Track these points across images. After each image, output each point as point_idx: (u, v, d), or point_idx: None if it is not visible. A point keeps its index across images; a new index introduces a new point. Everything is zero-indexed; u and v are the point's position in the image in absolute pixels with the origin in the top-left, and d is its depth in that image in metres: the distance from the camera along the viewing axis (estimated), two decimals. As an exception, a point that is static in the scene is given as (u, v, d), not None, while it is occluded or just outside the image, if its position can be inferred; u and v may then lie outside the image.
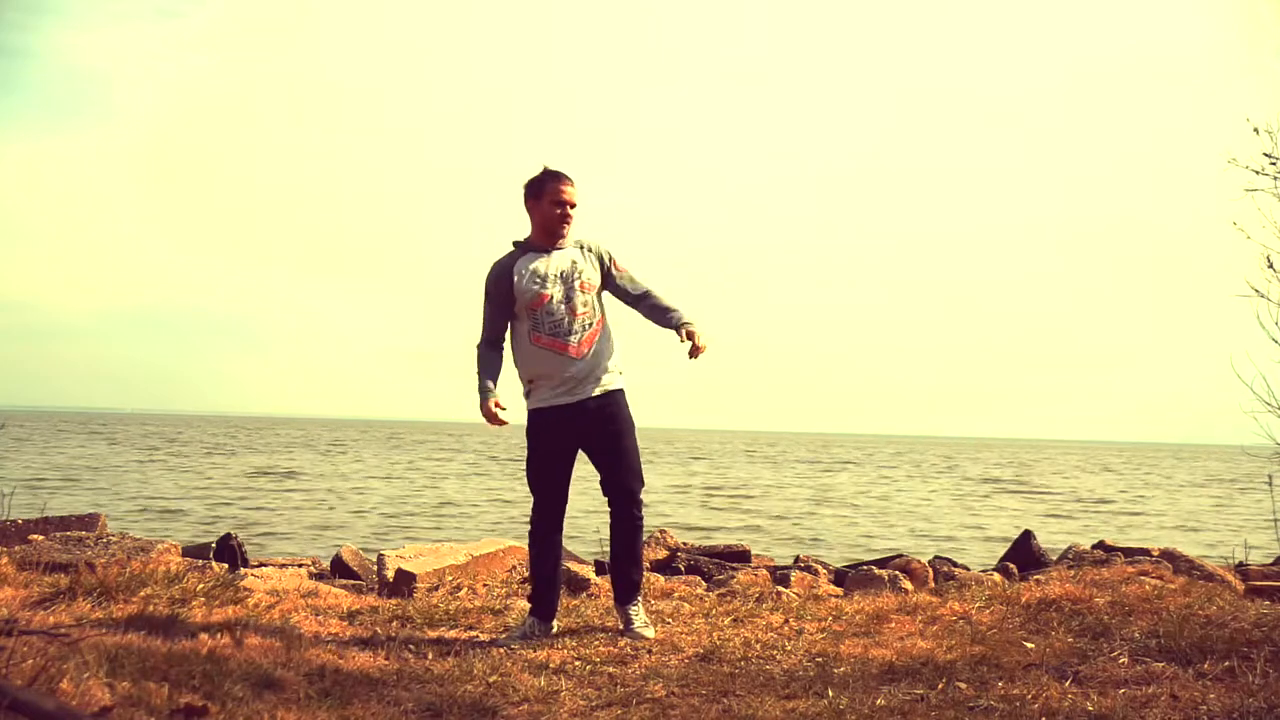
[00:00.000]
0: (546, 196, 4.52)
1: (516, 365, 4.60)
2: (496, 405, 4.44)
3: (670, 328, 4.50)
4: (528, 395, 4.60)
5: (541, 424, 4.57)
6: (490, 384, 4.51)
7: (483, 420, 4.46)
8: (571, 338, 4.47)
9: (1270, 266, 4.56)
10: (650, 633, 4.59)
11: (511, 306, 4.53)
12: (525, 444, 4.64)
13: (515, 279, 4.50)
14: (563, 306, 4.47)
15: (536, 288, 4.47)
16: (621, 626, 4.64)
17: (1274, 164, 4.59)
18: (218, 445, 48.72)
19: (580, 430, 4.53)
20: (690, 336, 4.42)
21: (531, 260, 4.53)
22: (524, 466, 4.70)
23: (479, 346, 4.60)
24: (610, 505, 4.64)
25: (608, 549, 4.75)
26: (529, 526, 4.67)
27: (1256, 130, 4.62)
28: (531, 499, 4.66)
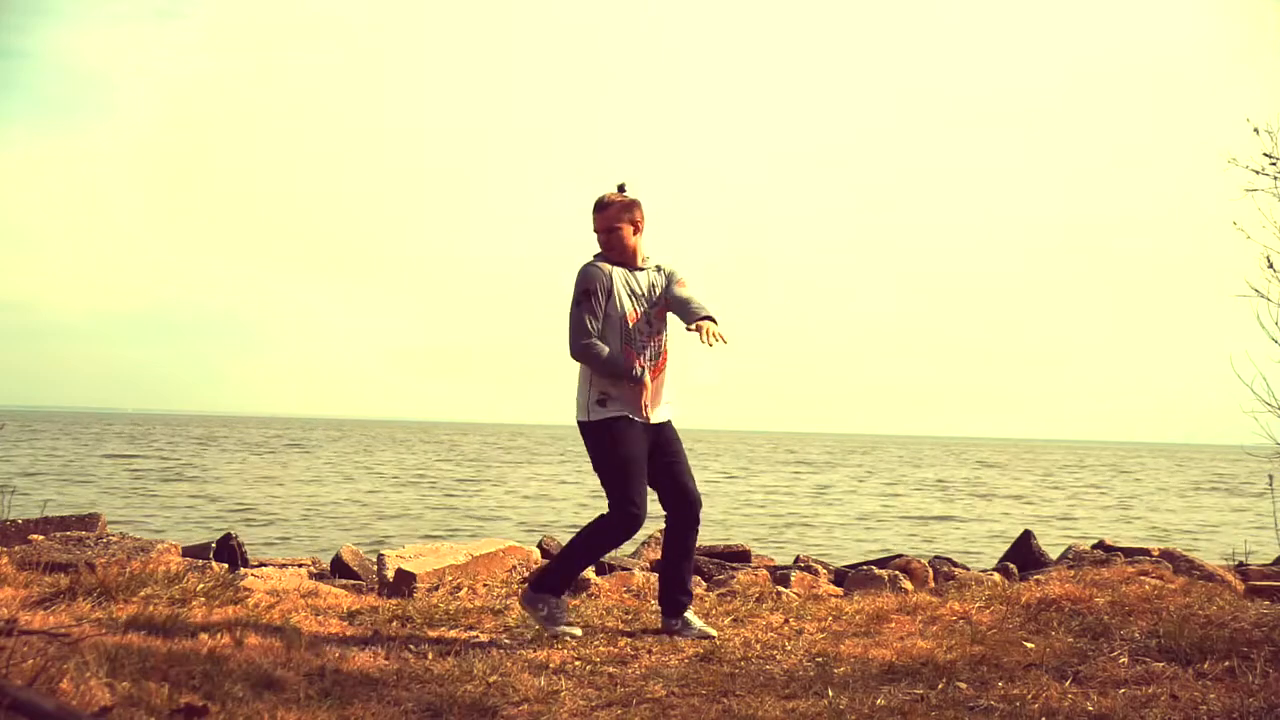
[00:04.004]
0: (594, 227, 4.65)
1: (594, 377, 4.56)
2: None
3: (690, 321, 4.52)
4: (600, 405, 4.53)
5: (620, 430, 4.51)
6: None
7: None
8: (650, 360, 4.58)
9: (1270, 266, 4.57)
10: (713, 630, 4.63)
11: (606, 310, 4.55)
12: (597, 452, 4.57)
13: (615, 288, 4.54)
14: (647, 328, 4.59)
15: (630, 304, 4.56)
16: (680, 632, 4.62)
17: (1274, 164, 4.60)
18: (207, 443, 48.76)
19: (645, 448, 4.60)
20: (698, 329, 4.45)
21: (623, 275, 4.59)
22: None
23: (588, 344, 4.48)
24: (668, 518, 4.76)
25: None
26: (603, 524, 4.56)
27: (1256, 130, 4.63)
28: (609, 508, 4.55)
